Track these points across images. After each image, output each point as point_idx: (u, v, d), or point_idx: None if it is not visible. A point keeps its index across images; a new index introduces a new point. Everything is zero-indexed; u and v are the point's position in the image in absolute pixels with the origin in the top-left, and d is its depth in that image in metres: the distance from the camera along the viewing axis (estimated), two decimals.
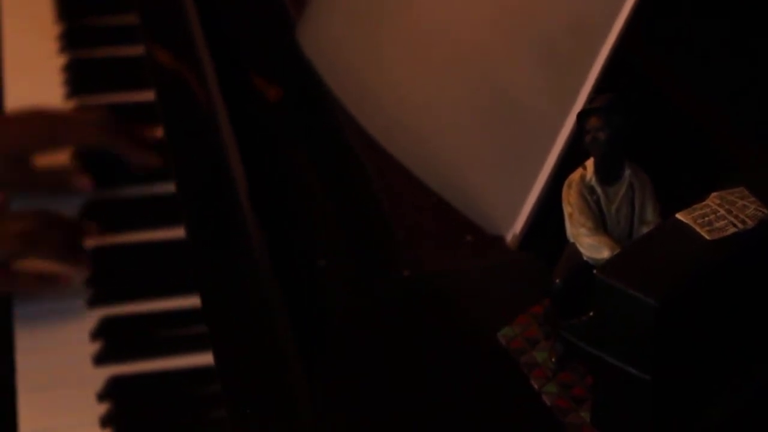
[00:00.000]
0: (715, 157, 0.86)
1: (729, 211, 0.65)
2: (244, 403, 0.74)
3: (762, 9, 0.91)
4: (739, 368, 0.68)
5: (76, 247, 1.09)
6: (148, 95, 1.24)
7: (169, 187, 1.14)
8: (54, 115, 1.21)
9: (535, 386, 0.70)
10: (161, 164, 1.18)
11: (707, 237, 0.64)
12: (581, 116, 0.68)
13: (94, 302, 1.07)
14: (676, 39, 0.95)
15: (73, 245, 1.09)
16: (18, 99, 1.31)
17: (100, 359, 1.02)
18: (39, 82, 1.34)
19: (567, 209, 0.69)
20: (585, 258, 0.68)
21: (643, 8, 0.77)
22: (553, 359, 0.71)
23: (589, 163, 0.69)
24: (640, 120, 0.68)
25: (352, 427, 0.71)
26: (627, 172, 0.69)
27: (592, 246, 0.68)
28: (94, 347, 1.03)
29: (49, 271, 1.08)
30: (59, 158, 1.20)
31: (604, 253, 0.67)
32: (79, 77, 1.34)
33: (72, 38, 1.40)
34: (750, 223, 0.65)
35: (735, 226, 0.65)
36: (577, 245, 0.69)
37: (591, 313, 0.65)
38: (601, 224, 0.69)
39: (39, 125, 1.18)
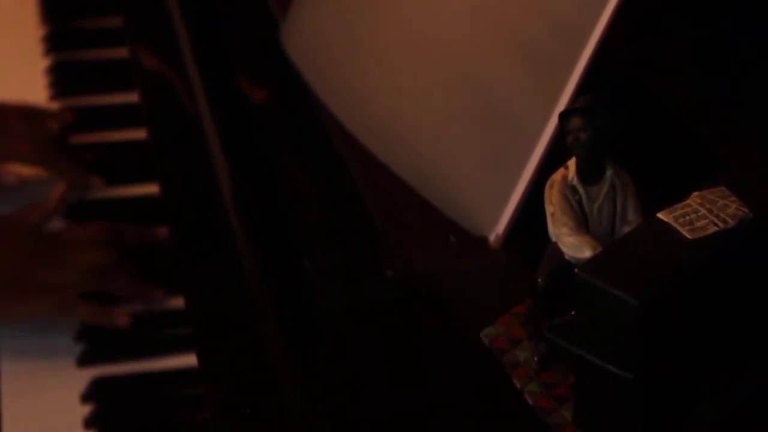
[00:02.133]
0: (696, 156, 0.86)
1: (710, 211, 0.66)
2: (230, 405, 0.74)
3: (749, 8, 0.91)
4: (726, 368, 0.69)
5: (144, 282, 1.06)
6: (132, 97, 1.24)
7: (152, 189, 1.14)
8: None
9: (518, 386, 0.70)
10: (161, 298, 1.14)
11: (688, 236, 0.64)
12: (563, 116, 0.68)
13: None
14: (661, 38, 0.96)
15: (140, 280, 1.06)
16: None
17: (83, 361, 1.02)
18: (23, 83, 1.33)
19: (549, 209, 0.69)
20: (567, 257, 0.68)
21: (626, 9, 0.77)
22: (535, 359, 0.71)
23: (571, 163, 0.69)
24: (621, 120, 0.68)
25: (339, 426, 0.71)
26: (609, 172, 0.69)
27: (574, 245, 0.68)
28: (77, 349, 1.03)
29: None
30: None
31: (586, 253, 0.67)
32: (63, 79, 1.34)
33: (57, 40, 1.40)
34: (731, 222, 0.65)
35: (716, 225, 0.65)
36: (560, 245, 0.69)
37: (573, 312, 0.65)
38: (583, 224, 0.69)
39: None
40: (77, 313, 1.04)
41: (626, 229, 0.69)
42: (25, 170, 1.19)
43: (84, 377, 1.00)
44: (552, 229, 0.69)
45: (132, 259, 1.07)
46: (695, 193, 0.67)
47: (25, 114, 1.22)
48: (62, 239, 1.08)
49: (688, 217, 0.65)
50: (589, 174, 0.69)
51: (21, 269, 1.05)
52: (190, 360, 0.98)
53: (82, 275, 1.05)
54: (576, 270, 0.64)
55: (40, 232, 1.10)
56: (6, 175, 1.17)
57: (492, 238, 0.81)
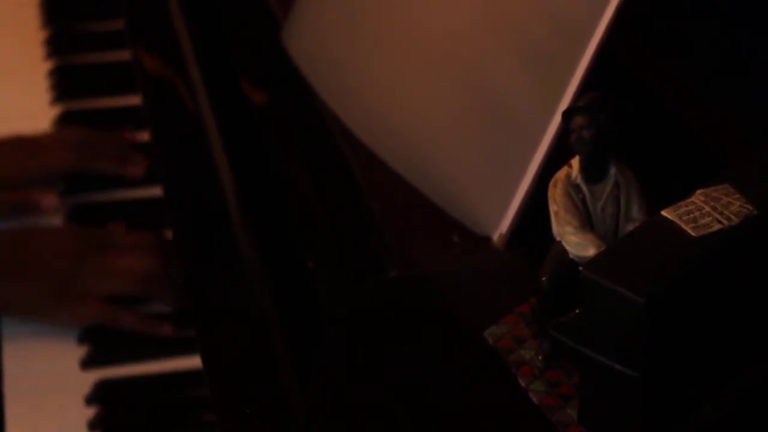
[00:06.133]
0: (700, 154, 0.86)
1: (714, 208, 0.66)
2: (234, 406, 0.74)
3: (746, 7, 0.91)
4: (731, 366, 0.69)
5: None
6: (134, 100, 1.24)
7: (156, 191, 1.14)
8: (30, 140, 1.19)
9: (523, 384, 0.70)
10: (144, 173, 1.18)
11: (692, 234, 0.64)
12: (566, 115, 0.68)
13: None
14: (663, 37, 0.96)
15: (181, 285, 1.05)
16: (4, 105, 1.31)
17: (87, 363, 1.02)
18: (25, 87, 1.34)
19: (553, 208, 0.69)
20: (571, 256, 0.68)
21: (628, 8, 0.77)
22: (540, 357, 0.71)
23: (575, 161, 0.69)
24: (625, 118, 0.68)
25: (343, 426, 0.71)
26: (612, 170, 0.69)
27: (578, 244, 0.68)
28: (81, 351, 1.03)
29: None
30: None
31: (590, 251, 0.67)
32: (65, 82, 1.34)
33: (58, 43, 1.40)
34: (735, 220, 0.65)
35: (720, 222, 0.65)
36: (564, 243, 0.69)
37: (577, 311, 0.65)
38: (586, 222, 0.69)
39: (15, 152, 1.16)
40: (122, 324, 1.03)
41: (630, 228, 0.69)
42: None
43: (88, 379, 1.00)
44: (556, 228, 0.69)
45: (173, 267, 1.06)
46: (699, 191, 0.67)
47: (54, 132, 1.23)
48: (110, 243, 1.07)
49: (692, 215, 0.65)
50: (592, 172, 0.69)
51: (71, 272, 1.05)
52: (194, 362, 0.99)
53: (130, 284, 1.04)
54: (581, 268, 0.64)
55: (89, 235, 1.09)
56: (47, 199, 1.16)
57: (496, 237, 0.81)
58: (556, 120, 0.78)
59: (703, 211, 0.65)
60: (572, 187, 0.69)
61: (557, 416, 0.68)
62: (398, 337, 0.75)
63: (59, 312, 1.03)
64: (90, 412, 0.98)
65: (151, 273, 1.04)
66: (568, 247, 0.69)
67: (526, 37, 0.82)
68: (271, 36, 1.04)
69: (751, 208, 0.66)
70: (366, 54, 0.93)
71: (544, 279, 0.69)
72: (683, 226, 0.65)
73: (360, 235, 0.87)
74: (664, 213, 0.66)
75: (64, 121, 1.28)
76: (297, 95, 0.98)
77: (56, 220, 1.16)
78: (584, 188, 0.69)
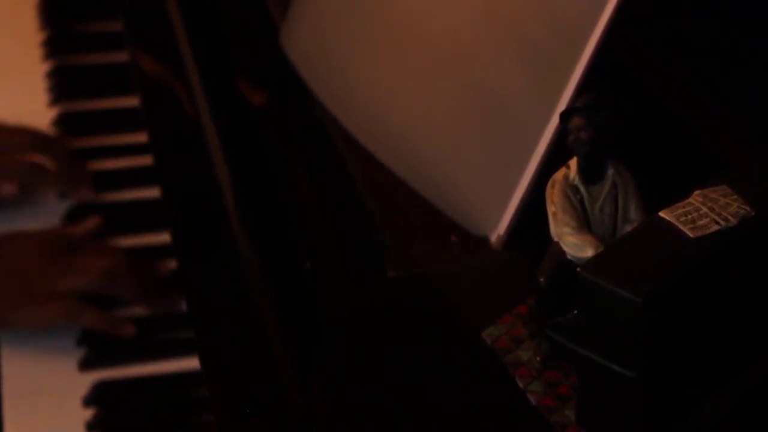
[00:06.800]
0: (700, 154, 0.86)
1: (712, 209, 0.66)
2: (234, 406, 0.74)
3: (746, 7, 0.91)
4: (731, 366, 0.68)
5: (152, 288, 1.07)
6: (133, 101, 1.24)
7: (154, 192, 1.14)
8: None
9: (521, 385, 0.70)
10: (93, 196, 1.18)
11: (690, 235, 0.64)
12: (564, 116, 0.68)
13: None
14: (663, 37, 0.96)
15: (149, 286, 1.07)
16: (2, 106, 1.31)
17: (85, 364, 1.02)
18: (24, 88, 1.34)
19: (551, 208, 0.69)
20: (569, 257, 0.68)
21: (626, 9, 0.77)
22: (538, 358, 0.71)
23: (573, 163, 0.69)
24: (623, 118, 0.68)
25: (342, 426, 0.71)
26: (610, 171, 0.69)
27: (575, 245, 0.68)
28: (79, 353, 1.03)
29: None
30: None
31: (588, 252, 0.67)
32: (63, 84, 1.34)
33: (56, 45, 1.40)
34: (733, 221, 0.65)
35: (718, 223, 0.65)
36: (561, 244, 0.69)
37: (575, 311, 0.65)
38: (584, 223, 0.69)
39: None
40: (84, 321, 1.04)
41: (628, 228, 0.69)
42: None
43: (86, 381, 1.00)
44: (554, 229, 0.69)
45: (140, 264, 1.07)
46: (697, 192, 0.67)
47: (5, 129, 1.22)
48: (74, 244, 1.08)
49: (689, 216, 0.65)
50: (590, 173, 0.69)
51: (35, 274, 1.05)
52: (192, 363, 0.99)
53: (92, 279, 1.05)
54: (578, 269, 0.64)
55: (52, 237, 1.10)
56: (5, 187, 1.17)
57: (493, 238, 0.81)
58: (555, 120, 0.78)
59: (700, 212, 0.65)
60: (570, 187, 0.69)
61: (555, 417, 0.68)
62: (397, 337, 0.75)
63: (25, 314, 1.04)
64: (88, 413, 0.98)
65: (115, 269, 1.05)
66: (565, 248, 0.69)
67: (526, 37, 0.81)
68: (269, 37, 1.04)
69: (748, 209, 0.66)
70: (365, 55, 0.93)
71: (542, 280, 0.69)
72: (681, 226, 0.65)
73: (360, 235, 0.87)
74: (661, 214, 0.66)
75: (62, 122, 1.28)
76: (295, 96, 0.98)
77: (54, 220, 1.16)
78: (582, 189, 0.69)
